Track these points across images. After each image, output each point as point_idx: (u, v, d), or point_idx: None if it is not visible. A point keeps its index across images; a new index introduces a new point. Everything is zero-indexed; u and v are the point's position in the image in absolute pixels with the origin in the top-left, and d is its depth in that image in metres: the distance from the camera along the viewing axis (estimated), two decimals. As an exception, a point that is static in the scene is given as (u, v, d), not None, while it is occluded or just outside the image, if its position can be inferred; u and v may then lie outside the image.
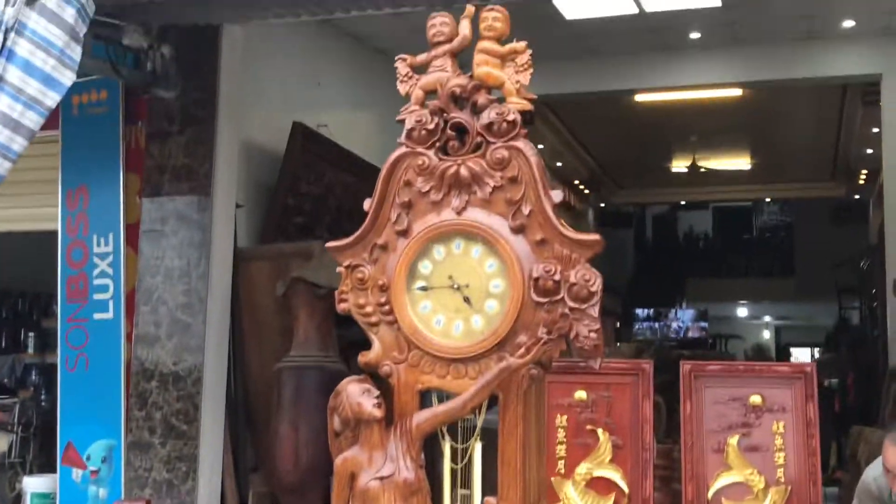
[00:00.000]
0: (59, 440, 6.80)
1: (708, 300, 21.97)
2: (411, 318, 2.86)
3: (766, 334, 24.43)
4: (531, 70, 2.89)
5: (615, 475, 4.87)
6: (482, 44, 2.88)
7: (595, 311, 2.71)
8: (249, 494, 6.79)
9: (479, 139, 2.83)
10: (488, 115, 2.81)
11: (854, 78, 10.31)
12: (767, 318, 24.61)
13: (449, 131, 2.86)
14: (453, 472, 2.84)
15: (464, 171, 2.82)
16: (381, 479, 2.76)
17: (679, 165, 16.26)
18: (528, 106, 2.85)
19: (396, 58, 3.02)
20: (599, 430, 4.92)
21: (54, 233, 6.90)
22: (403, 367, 2.87)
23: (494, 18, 2.89)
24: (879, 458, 4.19)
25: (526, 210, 2.77)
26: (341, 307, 3.05)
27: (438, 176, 2.85)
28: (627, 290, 20.37)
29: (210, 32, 6.60)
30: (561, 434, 4.93)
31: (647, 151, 15.18)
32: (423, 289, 2.87)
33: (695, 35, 9.36)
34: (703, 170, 16.21)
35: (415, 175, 2.89)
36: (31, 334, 10.47)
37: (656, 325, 20.80)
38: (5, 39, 4.25)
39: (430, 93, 2.94)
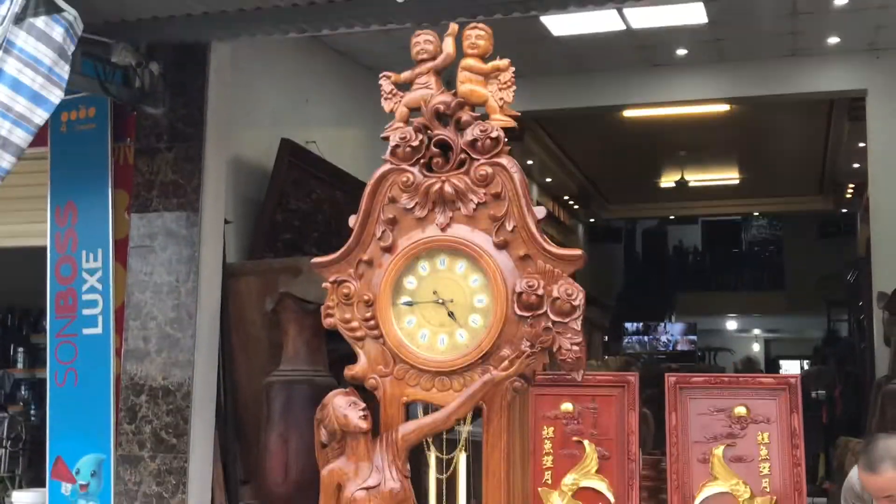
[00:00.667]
0: (49, 454, 6.77)
1: (697, 314, 21.99)
2: (396, 332, 2.90)
3: (756, 347, 24.46)
4: (514, 87, 2.94)
5: (602, 485, 4.88)
6: (466, 61, 2.94)
7: (577, 325, 2.77)
8: (239, 509, 6.79)
9: (462, 156, 2.88)
10: (472, 133, 2.87)
11: (840, 93, 10.37)
12: (757, 331, 24.65)
13: (433, 148, 2.92)
14: (439, 483, 2.87)
15: (448, 188, 2.87)
16: (368, 489, 2.80)
17: (668, 180, 16.32)
18: (512, 123, 2.91)
19: (381, 75, 3.07)
20: (586, 442, 4.93)
21: (43, 249, 6.90)
22: (389, 380, 2.91)
23: (478, 36, 2.94)
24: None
25: (509, 226, 2.83)
26: (327, 322, 3.11)
27: (423, 192, 2.91)
28: (616, 303, 20.37)
29: (198, 50, 6.64)
30: (548, 445, 4.94)
31: (635, 166, 15.21)
32: (409, 304, 2.92)
33: (682, 51, 9.41)
34: (691, 185, 16.28)
35: (399, 191, 2.94)
36: (20, 349, 10.47)
37: (645, 338, 20.80)
38: (-8, 58, 4.30)
39: (415, 110, 2.99)
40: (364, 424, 2.84)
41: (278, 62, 8.04)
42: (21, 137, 4.37)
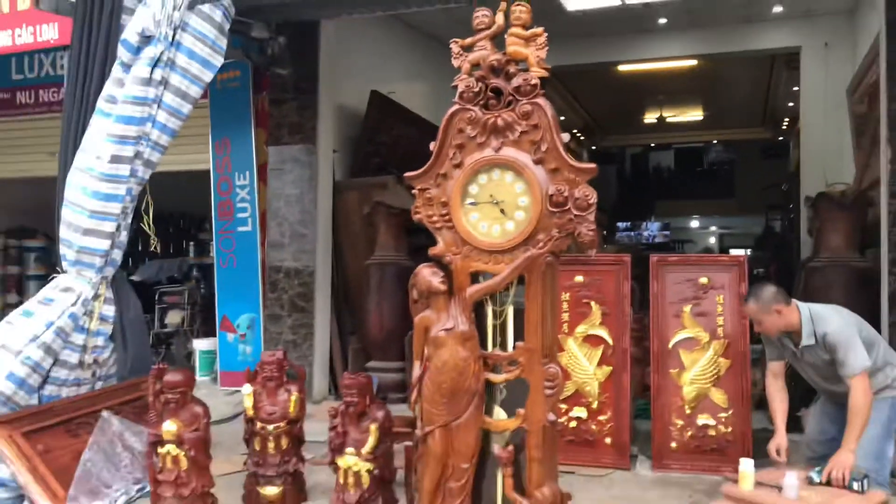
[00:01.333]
0: (217, 314, 7.05)
1: (670, 216, 21.72)
2: (464, 224, 2.91)
3: (712, 240, 24.11)
4: (547, 48, 2.92)
5: (604, 333, 4.96)
6: (512, 30, 2.89)
7: (592, 217, 2.77)
8: (349, 350, 6.99)
9: (510, 98, 2.85)
10: (517, 81, 2.84)
11: (780, 50, 9.97)
12: (713, 228, 24.28)
13: (489, 93, 2.88)
14: (494, 327, 2.92)
15: (500, 121, 2.86)
16: (447, 330, 2.84)
17: (650, 117, 15.94)
18: (546, 74, 2.87)
19: (451, 41, 3.02)
20: (592, 303, 5.00)
21: (205, 172, 7.03)
22: (459, 258, 2.92)
23: (521, 11, 2.89)
24: None
25: (544, 147, 2.80)
26: (416, 217, 3.05)
27: (482, 125, 2.89)
28: (611, 209, 20.12)
29: (312, 26, 6.65)
30: (565, 306, 5.01)
31: (626, 107, 14.88)
32: (473, 204, 2.92)
33: (662, 20, 9.15)
34: (668, 120, 15.92)
35: (465, 125, 2.91)
36: (191, 243, 10.75)
37: (632, 234, 20.60)
38: (174, 35, 4.32)
39: (475, 66, 2.96)
40: (443, 287, 2.87)
41: (368, 34, 7.93)
42: (195, 91, 4.42)
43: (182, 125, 4.47)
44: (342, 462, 3.54)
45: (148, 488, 4.24)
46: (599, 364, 4.93)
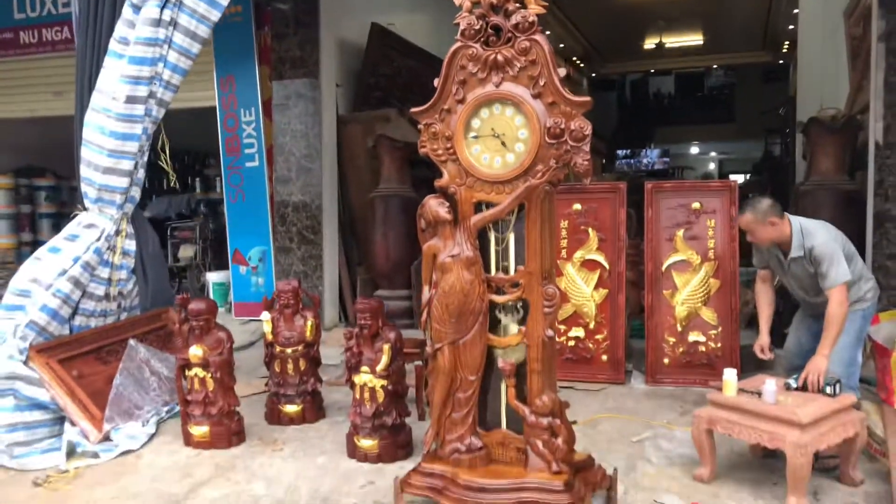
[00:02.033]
0: (229, 248, 7.25)
1: (670, 142, 21.69)
2: (467, 156, 3.06)
3: (712, 165, 24.16)
4: None
5: (600, 258, 5.19)
6: (510, -32, 2.99)
7: (587, 148, 2.93)
8: (357, 280, 7.23)
9: (509, 35, 2.96)
10: (515, 18, 2.94)
11: (780, -28, 9.93)
12: (713, 154, 24.28)
13: (489, 30, 2.99)
14: (496, 253, 3.12)
15: (500, 57, 2.98)
16: (453, 256, 3.04)
17: (650, 43, 15.80)
18: (543, 10, 2.98)
19: None
20: (590, 229, 5.20)
21: (208, 108, 7.09)
22: (463, 189, 3.07)
23: (519, -52, 2.99)
24: None
25: (542, 82, 2.93)
26: (421, 151, 3.18)
27: (483, 61, 3.01)
28: (611, 136, 20.13)
29: (312, -40, 6.64)
30: (564, 232, 5.21)
31: (626, 33, 14.76)
32: (475, 137, 3.06)
33: (661, -56, 9.06)
34: (667, 46, 15.79)
35: (467, 61, 3.03)
36: (196, 179, 10.87)
37: (632, 161, 20.63)
38: (181, -24, 4.39)
39: (475, 3, 3.05)
40: (448, 216, 3.05)
41: (368, -33, 7.89)
42: (204, 31, 4.50)
43: (192, 64, 4.57)
44: (358, 379, 3.82)
45: (177, 409, 4.56)
46: (596, 287, 5.17)
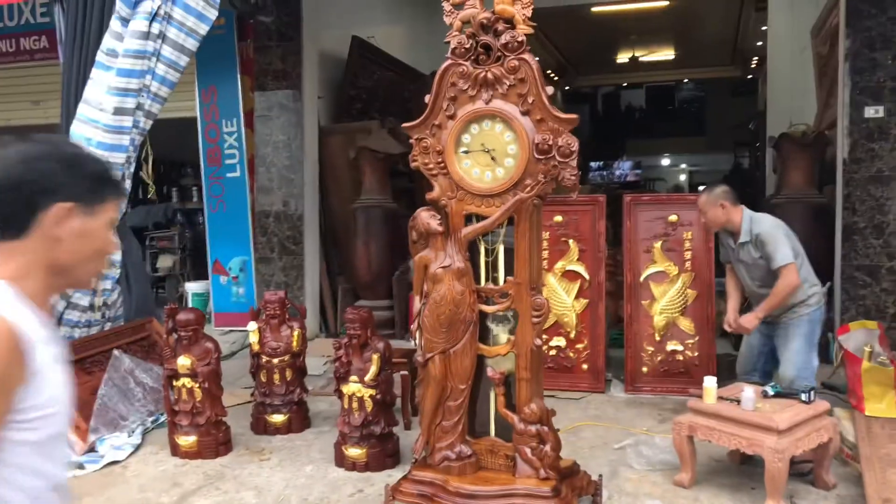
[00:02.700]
0: (209, 258, 7.25)
1: (641, 154, 21.91)
2: (458, 170, 3.13)
3: (682, 177, 24.46)
4: (532, 6, 3.12)
5: (580, 268, 5.29)
6: (499, -12, 3.09)
7: (574, 163, 3.03)
8: (338, 290, 7.26)
9: (499, 54, 3.05)
10: (505, 38, 3.04)
11: (749, -11, 10.19)
12: (683, 166, 24.57)
13: (479, 49, 3.08)
14: (486, 263, 3.21)
15: (490, 75, 3.07)
16: (444, 267, 3.12)
17: (623, 57, 16.03)
18: (531, 31, 3.09)
19: (443, 1, 3.21)
20: (570, 241, 5.30)
21: (186, 119, 7.09)
22: (454, 201, 3.15)
23: (507, -30, 3.09)
24: None
25: (530, 100, 3.02)
26: (413, 165, 3.25)
27: (473, 79, 3.09)
28: (584, 148, 20.22)
29: (295, -26, 6.70)
30: (545, 244, 5.29)
31: (599, 48, 14.93)
32: (465, 152, 3.14)
33: (635, -38, 9.26)
34: (640, 60, 16.05)
35: (458, 78, 3.11)
36: (173, 189, 10.80)
37: (605, 173, 20.83)
38: (170, -11, 4.43)
39: (466, 23, 3.15)
40: (440, 228, 3.13)
41: (348, -19, 7.96)
42: (191, 44, 4.55)
43: (180, 77, 4.61)
44: (346, 389, 3.87)
45: (161, 419, 4.58)
46: (577, 297, 5.27)
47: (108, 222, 1.31)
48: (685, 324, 5.13)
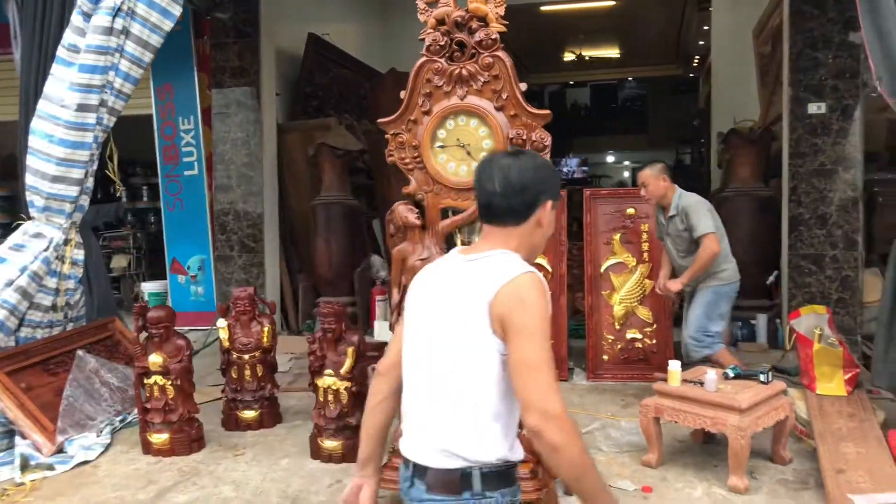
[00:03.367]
0: (167, 257, 7.15)
1: (587, 151, 22.25)
2: (434, 165, 3.19)
3: (626, 174, 24.97)
4: (504, 5, 3.20)
5: (542, 261, 5.36)
6: (473, -13, 3.17)
7: (547, 157, 3.12)
8: (299, 287, 7.24)
9: (473, 51, 3.12)
10: (479, 36, 3.11)
11: (692, -10, 10.50)
12: (627, 163, 25.07)
13: (454, 46, 3.15)
14: None
15: (464, 72, 3.13)
16: (423, 260, 3.14)
17: (570, 55, 16.35)
18: (504, 29, 3.17)
19: None
20: (533, 235, 5.41)
21: (137, 116, 6.92)
22: (430, 195, 3.22)
23: (480, -30, 3.16)
24: None
25: (504, 96, 3.10)
26: (389, 160, 3.28)
27: (448, 75, 3.15)
28: (531, 145, 20.45)
29: (252, -30, 6.66)
30: (509, 238, 5.37)
31: (548, 46, 15.18)
32: (441, 147, 3.20)
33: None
34: (586, 58, 16.34)
35: (433, 75, 3.17)
36: (124, 188, 10.56)
37: (552, 169, 21.19)
38: (134, -14, 4.37)
39: (440, 21, 3.21)
40: (418, 221, 3.19)
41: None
42: (156, 41, 4.49)
43: (143, 73, 4.56)
44: (321, 382, 3.91)
45: (130, 418, 4.54)
46: (540, 289, 5.38)
47: (554, 215, 1.78)
48: (643, 312, 5.30)
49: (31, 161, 4.42)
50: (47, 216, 4.48)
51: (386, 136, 3.33)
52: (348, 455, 3.87)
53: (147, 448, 4.07)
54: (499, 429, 1.59)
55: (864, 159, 5.73)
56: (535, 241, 1.74)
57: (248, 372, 4.44)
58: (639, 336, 5.29)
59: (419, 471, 1.63)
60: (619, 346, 5.32)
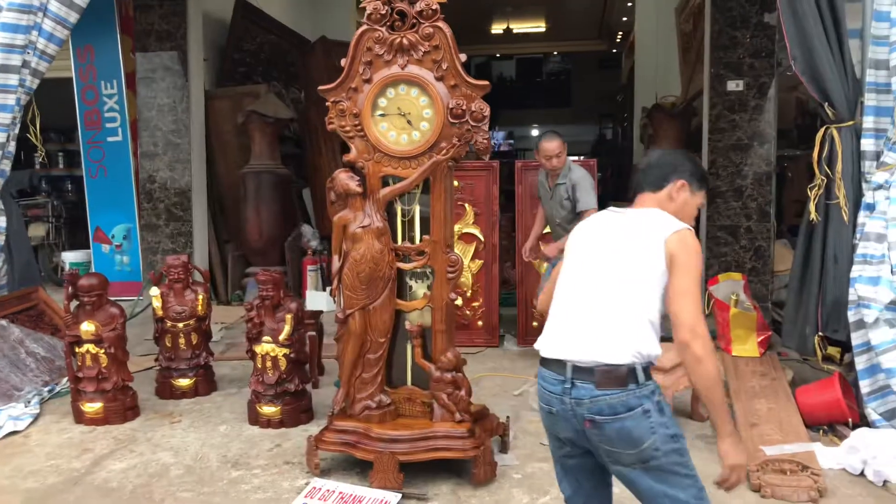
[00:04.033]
0: (90, 225, 6.94)
1: (513, 125, 22.54)
2: (375, 133, 3.24)
3: (551, 147, 25.32)
4: None
5: (475, 231, 5.53)
6: (414, -42, 3.20)
7: (486, 127, 3.21)
8: (228, 256, 7.17)
9: (413, 20, 3.17)
10: (419, 6, 3.16)
11: (617, -34, 10.71)
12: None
13: (395, 15, 3.19)
14: (403, 223, 3.34)
15: (405, 41, 3.18)
16: (364, 227, 3.23)
17: (497, 28, 16.45)
18: (445, 0, 3.24)
19: None
20: (466, 205, 5.53)
21: (56, 80, 6.67)
22: (371, 163, 3.26)
23: (420, -60, 3.20)
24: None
25: (444, 66, 3.17)
26: (329, 127, 3.31)
27: (388, 44, 3.20)
28: (458, 117, 20.53)
29: (178, -71, 6.46)
30: (443, 207, 5.47)
31: (475, 18, 15.24)
32: (382, 115, 3.25)
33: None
34: (513, 31, 16.46)
35: (373, 44, 3.21)
36: (33, 154, 10.12)
37: (478, 142, 21.35)
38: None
39: None
40: (359, 189, 3.24)
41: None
42: (82, 0, 4.36)
43: (68, 34, 4.41)
44: (260, 349, 3.93)
45: (58, 389, 4.46)
46: (473, 258, 5.52)
47: (698, 205, 2.17)
48: (571, 281, 5.48)
49: (-51, 124, 4.24)
50: (-33, 181, 4.31)
51: (326, 104, 3.36)
52: (287, 420, 3.93)
53: (79, 417, 4.01)
54: (654, 332, 1.96)
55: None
56: (669, 211, 2.10)
57: (182, 340, 4.42)
58: (567, 303, 5.47)
59: (583, 372, 1.93)
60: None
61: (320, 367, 4.73)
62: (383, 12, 3.22)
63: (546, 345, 2.06)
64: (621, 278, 2.00)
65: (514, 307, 5.71)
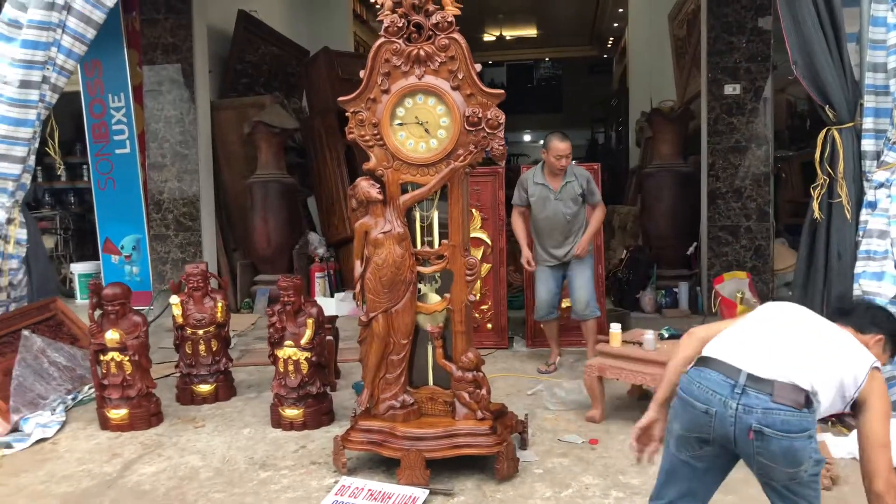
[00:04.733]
0: (99, 237, 7.01)
1: (506, 131, 22.72)
2: (394, 142, 3.34)
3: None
4: None
5: (483, 235, 5.64)
6: (428, -28, 3.31)
7: (501, 135, 3.30)
8: (236, 265, 7.25)
9: (430, 32, 3.27)
10: (435, 18, 3.26)
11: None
12: (542, 141, 25.60)
13: (411, 28, 3.29)
14: (422, 228, 3.44)
15: (422, 53, 3.28)
16: (385, 233, 3.34)
17: (490, 35, 16.61)
18: (458, 12, 3.33)
19: None
20: (474, 210, 5.62)
21: (69, 93, 6.77)
22: (391, 171, 3.36)
23: (436, -46, 3.30)
24: (537, 167, 5.11)
25: (460, 76, 3.27)
26: (350, 137, 3.41)
27: (406, 55, 3.30)
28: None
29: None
30: (451, 213, 5.56)
31: (469, 26, 15.40)
32: (400, 124, 3.34)
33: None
34: (506, 38, 16.64)
35: (391, 55, 3.30)
36: (38, 167, 10.17)
37: (472, 148, 21.46)
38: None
39: (397, 3, 3.34)
40: (380, 196, 3.33)
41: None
42: (98, 17, 4.44)
43: (87, 50, 4.50)
44: (282, 353, 4.02)
45: (81, 397, 4.54)
46: (480, 262, 5.62)
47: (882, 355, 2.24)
48: (577, 282, 5.59)
49: (-31, 139, 4.31)
50: (-11, 195, 4.39)
51: (346, 114, 3.45)
52: (309, 422, 4.01)
53: (105, 424, 4.09)
54: (828, 397, 1.99)
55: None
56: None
57: (202, 347, 4.50)
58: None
59: (759, 382, 1.95)
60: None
61: (336, 371, 4.83)
62: (400, 25, 3.32)
63: (719, 350, 2.09)
64: (820, 346, 2.05)
65: (520, 310, 5.81)
